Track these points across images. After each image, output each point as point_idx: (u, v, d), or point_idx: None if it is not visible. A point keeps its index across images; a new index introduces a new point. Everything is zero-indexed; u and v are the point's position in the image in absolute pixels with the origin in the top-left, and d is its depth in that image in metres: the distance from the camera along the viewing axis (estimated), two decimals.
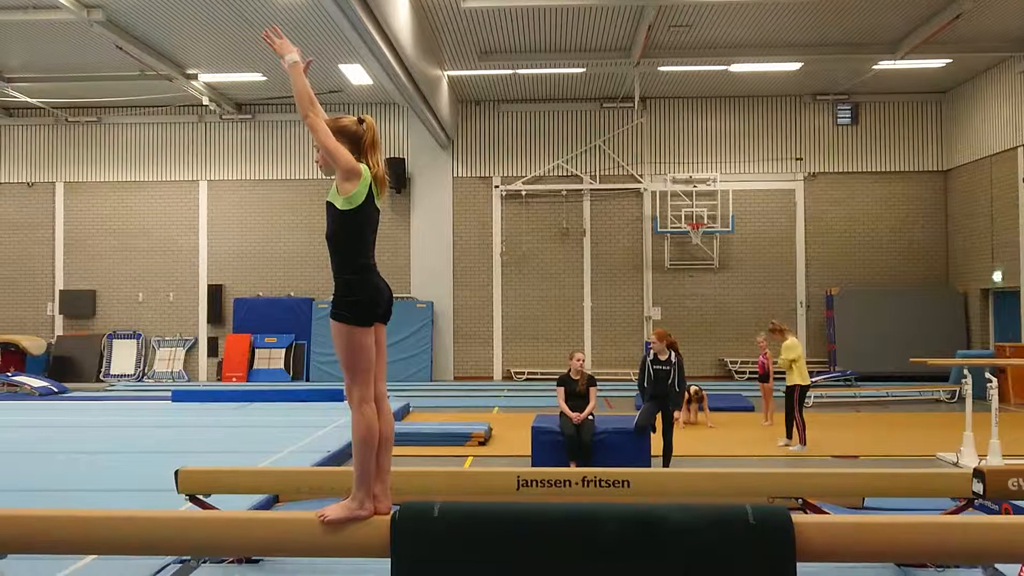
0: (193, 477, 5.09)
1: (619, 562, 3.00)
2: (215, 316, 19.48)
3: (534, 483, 5.12)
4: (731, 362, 18.73)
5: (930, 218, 19.06)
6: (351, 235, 3.33)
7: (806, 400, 10.30)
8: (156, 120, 19.83)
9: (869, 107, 19.16)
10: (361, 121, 3.44)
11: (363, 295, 3.30)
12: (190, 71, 16.79)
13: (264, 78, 17.32)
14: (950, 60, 16.34)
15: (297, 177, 19.66)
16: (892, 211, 19.08)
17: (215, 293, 19.52)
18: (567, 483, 5.13)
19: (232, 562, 5.17)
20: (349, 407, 3.33)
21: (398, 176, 19.04)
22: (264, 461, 8.17)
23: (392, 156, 19.25)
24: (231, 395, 14.94)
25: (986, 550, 3.16)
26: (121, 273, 19.79)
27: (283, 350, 18.93)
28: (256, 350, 18.98)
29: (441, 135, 18.19)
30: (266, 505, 6.47)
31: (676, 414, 8.68)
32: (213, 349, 19.54)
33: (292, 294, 19.46)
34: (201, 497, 5.18)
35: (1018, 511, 5.57)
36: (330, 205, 3.36)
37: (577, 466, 7.89)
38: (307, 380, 18.66)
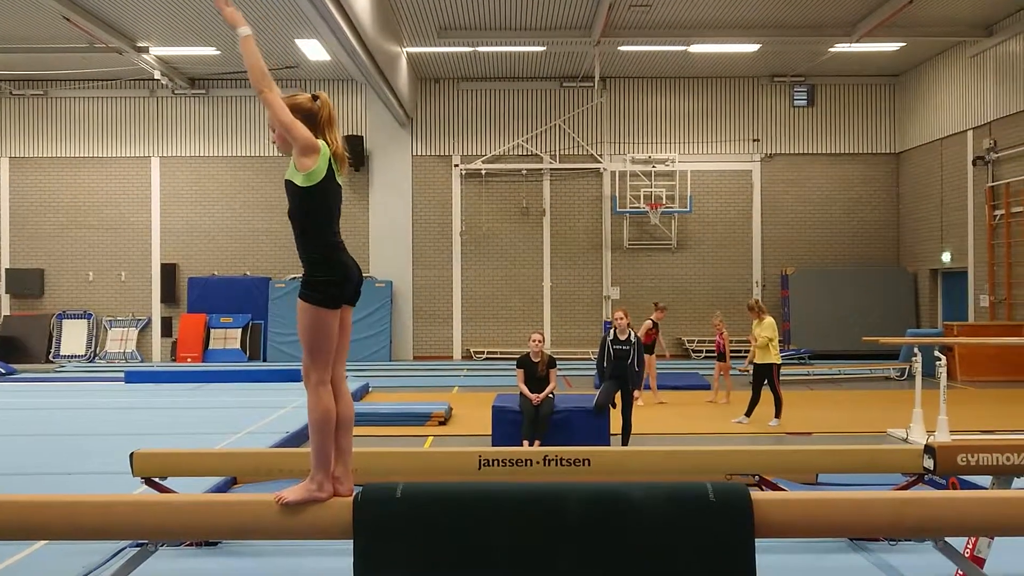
0: (148, 460, 5.00)
1: (582, 540, 3.02)
2: (169, 295, 19.13)
3: (495, 462, 5.11)
4: (688, 341, 18.95)
5: (882, 199, 19.42)
6: (314, 212, 3.24)
7: (749, 379, 10.52)
8: (106, 94, 19.30)
9: (825, 89, 19.40)
10: (315, 98, 3.35)
11: (333, 275, 3.23)
12: (141, 44, 16.34)
13: (218, 52, 16.94)
14: (904, 44, 16.60)
15: (253, 154, 19.32)
16: (846, 192, 19.41)
17: (169, 272, 19.16)
18: (528, 462, 5.13)
19: (190, 545, 5.11)
20: (305, 387, 3.25)
21: (356, 154, 18.81)
22: (221, 443, 8.07)
23: (350, 134, 19.01)
24: (186, 376, 14.72)
25: (938, 524, 3.24)
26: (70, 251, 19.30)
27: (239, 330, 18.68)
28: (212, 330, 18.69)
29: (400, 113, 18.00)
30: (223, 487, 6.39)
31: (635, 393, 8.76)
32: (167, 329, 19.20)
33: (248, 273, 19.18)
34: (157, 480, 5.09)
35: (965, 486, 5.73)
36: (289, 183, 3.27)
37: (530, 445, 7.91)
38: (264, 360, 18.45)
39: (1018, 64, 15.08)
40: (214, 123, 19.39)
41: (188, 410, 11.04)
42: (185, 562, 4.90)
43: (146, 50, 16.54)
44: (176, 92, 19.15)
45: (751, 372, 10.54)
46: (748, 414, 10.14)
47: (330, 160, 3.26)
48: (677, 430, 9.75)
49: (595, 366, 9.19)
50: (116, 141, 19.39)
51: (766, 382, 10.09)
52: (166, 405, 11.47)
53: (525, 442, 8.08)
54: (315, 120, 3.28)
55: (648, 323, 12.02)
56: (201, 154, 19.39)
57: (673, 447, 6.09)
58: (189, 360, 18.25)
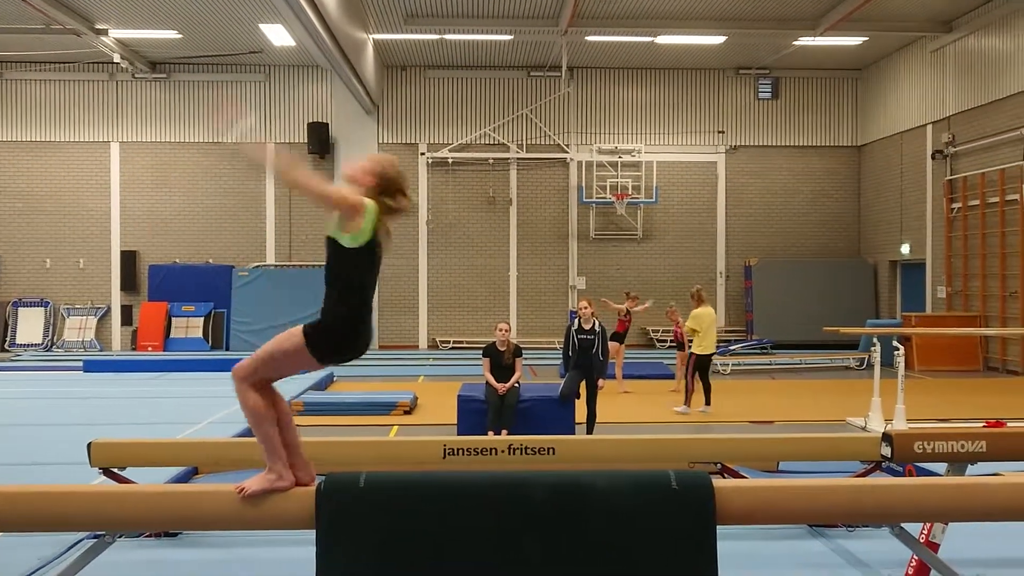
0: (107, 449, 4.92)
1: (546, 528, 3.03)
2: (129, 283, 18.80)
3: (460, 451, 5.12)
4: (652, 331, 19.08)
5: (844, 192, 19.70)
6: (356, 274, 3.17)
7: (714, 368, 10.64)
8: (63, 77, 18.86)
9: (789, 82, 19.59)
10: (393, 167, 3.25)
11: (348, 341, 3.17)
12: (100, 26, 15.96)
13: (179, 35, 16.62)
14: (866, 38, 16.82)
15: (216, 140, 19.02)
16: (809, 184, 19.64)
17: (129, 259, 18.82)
18: (493, 451, 5.14)
19: (150, 536, 5.04)
20: (232, 380, 3.12)
21: (322, 142, 18.64)
22: (183, 433, 7.97)
23: (315, 121, 18.81)
24: (147, 365, 14.51)
25: (895, 510, 3.30)
26: (27, 238, 18.87)
27: (201, 319, 18.43)
28: (173, 319, 18.42)
29: (366, 100, 17.84)
30: (185, 478, 6.31)
31: (600, 382, 8.81)
32: (127, 318, 18.88)
33: (211, 261, 18.91)
34: (116, 470, 5.02)
35: (921, 473, 5.85)
36: (332, 241, 3.17)
37: (495, 434, 7.93)
38: (227, 349, 18.23)
39: (976, 60, 15.36)
40: (176, 108, 19.05)
41: (148, 399, 10.88)
42: (145, 553, 4.84)
43: (105, 32, 16.16)
44: (136, 76, 18.77)
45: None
46: (687, 402, 10.20)
47: (377, 215, 3.13)
48: (642, 419, 9.82)
49: (560, 356, 9.24)
50: (74, 125, 18.97)
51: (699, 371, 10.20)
52: (126, 395, 11.30)
53: (491, 431, 8.09)
54: (389, 187, 3.19)
55: (623, 308, 12.20)
56: (162, 140, 19.05)
57: (637, 436, 6.13)
58: (150, 349, 17.97)
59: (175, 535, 5.05)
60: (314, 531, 3.08)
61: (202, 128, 19.01)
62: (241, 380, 3.12)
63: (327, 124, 18.89)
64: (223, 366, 14.10)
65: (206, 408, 9.58)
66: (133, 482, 4.61)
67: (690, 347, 10.50)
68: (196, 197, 19.03)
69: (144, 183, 18.99)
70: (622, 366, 12.35)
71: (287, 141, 19.04)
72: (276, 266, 19.04)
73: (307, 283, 18.66)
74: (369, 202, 3.12)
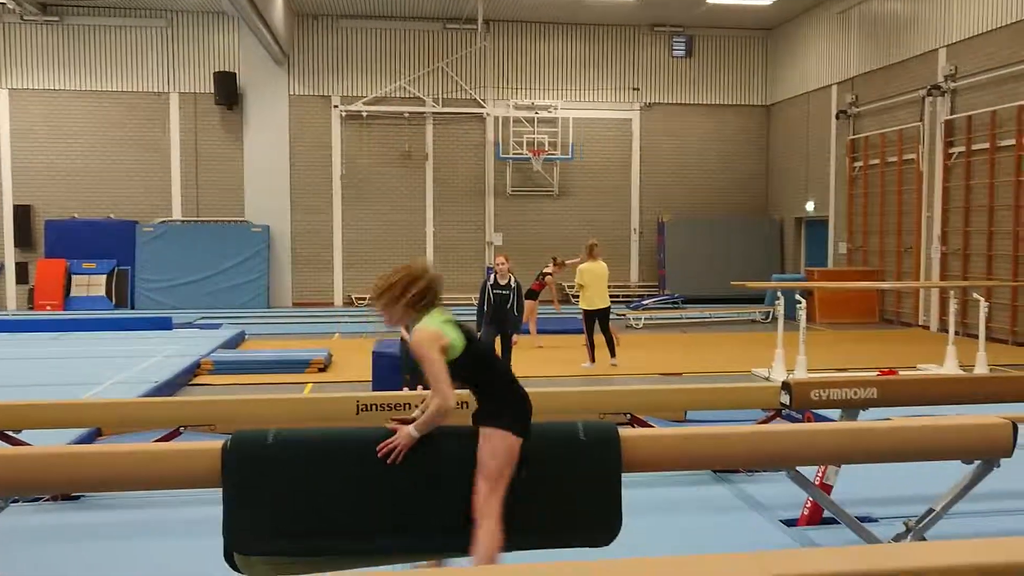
0: (1, 411, 4.71)
1: (455, 478, 3.06)
2: (23, 239, 17.87)
3: (374, 407, 5.10)
4: (568, 286, 19.28)
5: (754, 150, 20.19)
6: (483, 367, 3.21)
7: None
8: None
9: (703, 41, 19.83)
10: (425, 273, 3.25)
11: (523, 405, 3.17)
12: None
13: None
14: None
15: (116, 88, 18.12)
16: (720, 143, 20.05)
17: (23, 214, 17.87)
18: (407, 406, 5.14)
19: (49, 500, 4.88)
20: (476, 518, 2.98)
21: (229, 93, 17.99)
22: (85, 394, 7.68)
23: (222, 71, 18.10)
24: (46, 325, 13.88)
25: (790, 454, 3.46)
26: None
27: (104, 276, 17.71)
28: (73, 276, 17.64)
29: (276, 49, 17.24)
30: (87, 439, 6.11)
31: (514, 337, 8.88)
32: (23, 275, 17.98)
33: (112, 216, 18.13)
34: (10, 433, 4.82)
35: (820, 420, 6.14)
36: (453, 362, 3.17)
37: (411, 389, 7.93)
38: (132, 308, 17.61)
39: (879, 23, 15.84)
40: (70, 54, 18.01)
41: (48, 360, 10.44)
42: (45, 517, 4.68)
43: None
44: (25, 19, 17.63)
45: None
46: (591, 359, 10.37)
47: (457, 326, 3.17)
48: (555, 373, 9.97)
49: (476, 311, 9.27)
50: None
51: (599, 326, 10.35)
52: (23, 356, 10.81)
53: (406, 387, 8.08)
54: (427, 293, 3.19)
55: (575, 261, 12.32)
56: (56, 87, 18.01)
57: (550, 388, 6.22)
58: (49, 308, 17.20)
59: (76, 498, 4.90)
60: (220, 490, 3.03)
61: (101, 76, 18.06)
62: (494, 518, 2.98)
63: (235, 74, 18.21)
64: (128, 325, 13.69)
65: (110, 368, 9.25)
66: (30, 444, 4.44)
67: (576, 302, 10.62)
68: (95, 149, 18.14)
69: (37, 133, 17.98)
70: (536, 322, 12.50)
71: (192, 91, 18.29)
72: (183, 221, 18.40)
73: (215, 238, 18.16)
74: (435, 331, 3.12)
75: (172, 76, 18.25)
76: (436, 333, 3.09)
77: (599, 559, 2.42)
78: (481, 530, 2.97)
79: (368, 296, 3.19)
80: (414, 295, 3.15)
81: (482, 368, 3.19)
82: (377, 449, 3.01)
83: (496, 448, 3.05)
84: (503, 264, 8.77)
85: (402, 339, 8.47)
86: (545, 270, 12.87)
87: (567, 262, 12.95)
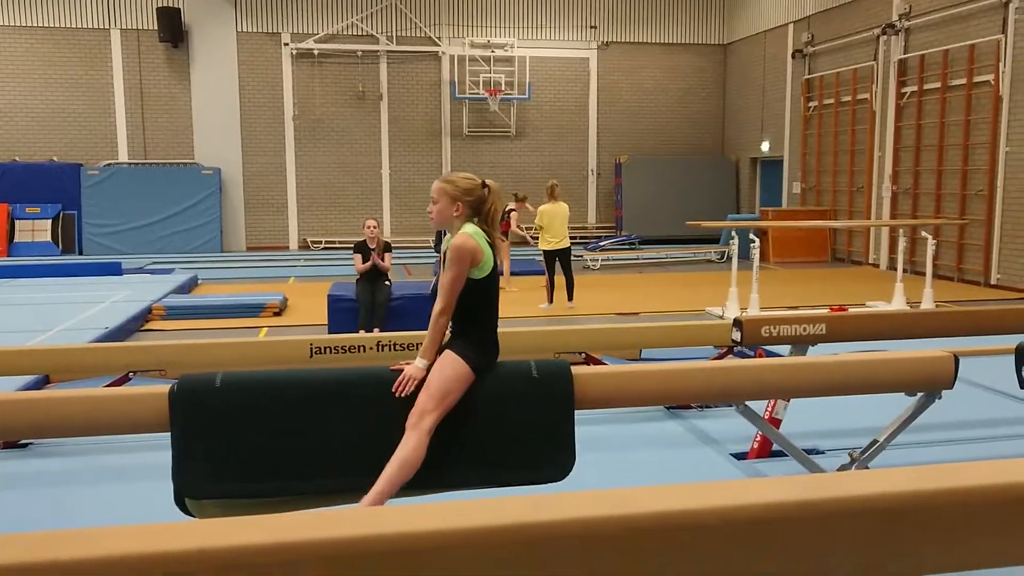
0: None
1: (405, 418, 3.05)
2: None
3: (328, 350, 5.06)
4: (527, 228, 19.23)
5: (710, 90, 20.14)
6: (485, 300, 3.24)
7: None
8: None
9: None
10: (484, 184, 3.26)
11: (491, 351, 3.24)
12: None
13: None
14: None
15: (55, 25, 17.34)
16: (677, 83, 19.95)
17: None
18: (361, 348, 5.11)
19: None
20: (413, 432, 3.00)
21: (174, 29, 17.35)
22: (31, 341, 7.51)
23: (165, 6, 17.42)
24: None
25: (739, 389, 3.51)
26: None
27: (49, 221, 17.21)
28: (16, 221, 17.11)
29: None
30: (35, 387, 5.98)
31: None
32: None
33: (56, 159, 17.54)
34: None
35: (771, 355, 6.25)
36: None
37: (367, 332, 7.91)
38: (80, 254, 17.19)
39: None
40: None
41: None
42: None
43: None
44: None
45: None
46: (550, 299, 10.44)
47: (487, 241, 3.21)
48: (511, 314, 9.97)
49: (433, 252, 9.22)
50: None
51: (559, 266, 10.35)
52: None
53: (362, 330, 8.05)
54: (481, 207, 3.22)
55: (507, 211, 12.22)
56: None
57: (506, 329, 6.23)
58: None
59: (24, 445, 4.82)
60: (169, 434, 2.99)
61: (37, 10, 17.27)
62: (428, 431, 3.02)
63: (179, 10, 17.53)
64: (75, 271, 13.35)
65: (57, 315, 9.04)
66: None
67: (536, 243, 10.64)
68: (34, 89, 17.44)
69: None
70: (508, 263, 12.48)
71: (134, 27, 17.60)
72: (130, 164, 17.88)
73: (164, 182, 17.71)
74: (477, 243, 3.16)
75: (112, 12, 17.52)
76: (479, 248, 3.16)
77: (547, 493, 2.44)
78: (406, 439, 3.00)
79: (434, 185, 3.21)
80: (471, 200, 3.23)
81: (482, 301, 3.24)
82: (393, 389, 3.07)
83: (448, 369, 3.10)
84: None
85: (357, 282, 8.41)
86: (509, 206, 12.69)
87: (529, 207, 12.84)
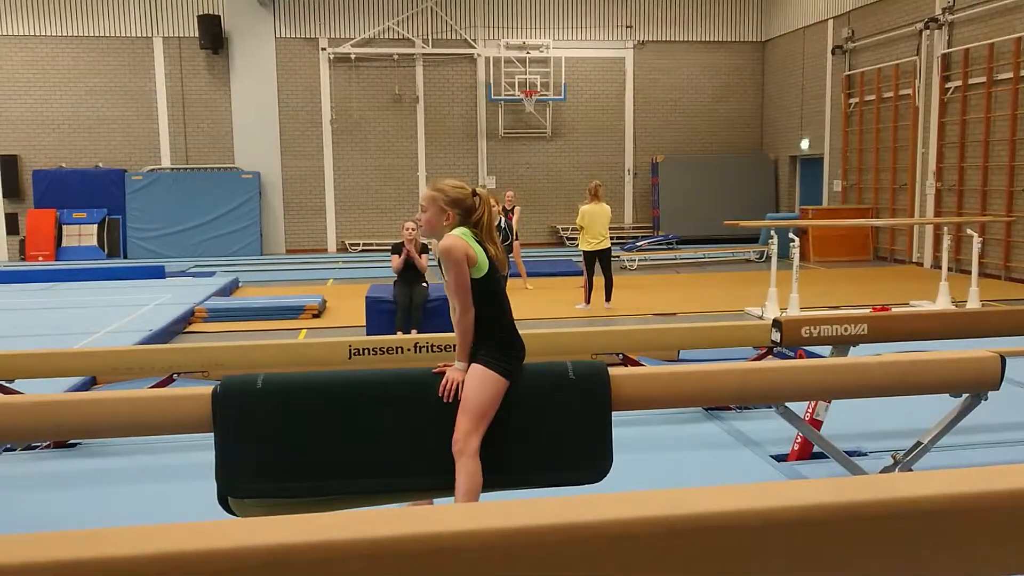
0: None
1: (446, 420, 3.07)
2: (11, 190, 17.70)
3: (366, 351, 5.11)
4: (562, 229, 19.25)
5: (748, 88, 19.93)
6: (492, 298, 3.20)
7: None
8: None
9: None
10: (474, 193, 3.22)
11: (518, 351, 3.20)
12: None
13: None
14: None
15: (99, 34, 17.74)
16: (714, 80, 19.77)
17: (9, 164, 17.67)
18: (399, 350, 5.16)
19: (46, 447, 4.91)
20: (460, 458, 3.01)
21: (214, 36, 17.64)
22: (79, 343, 7.69)
23: (206, 13, 17.72)
24: (37, 275, 13.84)
25: (779, 390, 3.48)
26: None
27: (95, 226, 17.60)
28: (64, 226, 17.53)
29: None
30: (82, 388, 6.12)
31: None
32: (13, 226, 17.86)
33: (101, 165, 17.93)
34: (4, 383, 4.83)
35: (811, 356, 6.17)
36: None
37: (405, 334, 7.95)
38: (125, 257, 17.55)
39: None
40: None
41: (41, 311, 10.42)
42: (41, 465, 4.72)
43: None
44: None
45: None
46: (587, 300, 10.40)
47: (479, 242, 3.18)
48: (548, 315, 9.98)
49: None
50: None
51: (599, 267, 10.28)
52: (15, 307, 10.78)
53: (399, 331, 8.10)
54: (470, 216, 3.19)
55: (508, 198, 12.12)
56: (40, 33, 17.64)
57: (544, 330, 6.23)
58: (40, 259, 17.13)
59: (73, 445, 4.93)
60: (212, 434, 3.05)
61: (83, 21, 17.67)
62: (475, 453, 3.02)
63: (219, 17, 17.83)
64: (120, 274, 13.64)
65: (103, 318, 9.25)
66: (23, 393, 4.45)
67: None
68: (80, 96, 17.85)
69: (19, 81, 17.66)
70: (522, 263, 12.41)
71: (176, 35, 17.93)
72: (172, 169, 18.21)
73: (205, 186, 18.01)
74: (465, 242, 3.13)
75: (155, 20, 17.87)
76: (466, 245, 3.12)
77: (585, 494, 2.44)
78: (460, 468, 3.00)
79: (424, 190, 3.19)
80: (460, 211, 3.18)
81: (492, 300, 3.20)
82: (439, 393, 3.07)
83: (483, 387, 3.08)
84: (494, 206, 8.69)
85: (395, 284, 8.47)
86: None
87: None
